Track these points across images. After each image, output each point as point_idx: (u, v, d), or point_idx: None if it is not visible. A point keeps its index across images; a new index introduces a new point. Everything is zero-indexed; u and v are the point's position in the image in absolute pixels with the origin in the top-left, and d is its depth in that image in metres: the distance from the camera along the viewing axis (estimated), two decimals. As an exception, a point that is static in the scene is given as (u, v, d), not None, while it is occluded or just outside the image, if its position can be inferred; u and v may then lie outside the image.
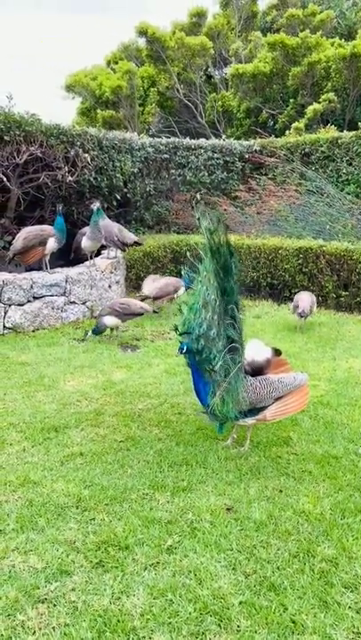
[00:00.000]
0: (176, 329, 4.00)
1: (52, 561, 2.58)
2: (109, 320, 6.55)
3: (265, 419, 3.69)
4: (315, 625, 2.23)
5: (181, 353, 3.68)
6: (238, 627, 2.22)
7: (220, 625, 2.24)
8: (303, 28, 16.72)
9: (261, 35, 18.50)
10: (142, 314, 6.70)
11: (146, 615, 2.27)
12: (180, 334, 3.85)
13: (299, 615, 2.28)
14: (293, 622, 2.25)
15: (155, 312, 6.61)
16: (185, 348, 3.63)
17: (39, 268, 7.63)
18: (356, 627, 2.24)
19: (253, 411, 3.66)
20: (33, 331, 7.01)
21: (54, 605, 2.33)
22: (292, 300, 8.10)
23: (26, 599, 2.35)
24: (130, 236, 8.20)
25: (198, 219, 3.75)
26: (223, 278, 3.60)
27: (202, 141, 11.61)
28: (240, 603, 2.35)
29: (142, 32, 17.40)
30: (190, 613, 2.28)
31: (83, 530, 2.83)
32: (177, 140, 11.50)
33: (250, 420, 3.69)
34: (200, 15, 19.08)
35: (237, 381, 3.59)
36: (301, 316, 6.91)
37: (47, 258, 7.43)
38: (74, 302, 7.50)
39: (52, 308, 7.24)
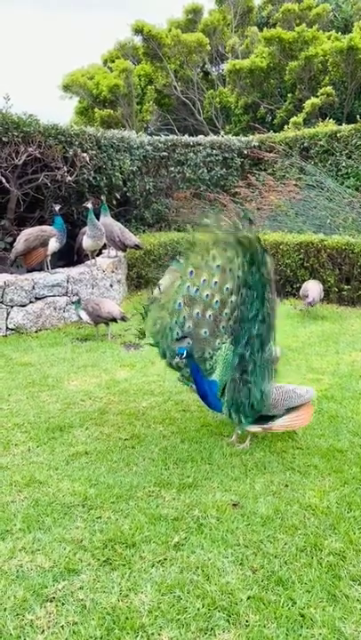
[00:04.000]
0: (142, 335, 3.96)
1: (59, 560, 2.58)
2: (84, 315, 6.56)
3: (270, 428, 3.71)
4: (324, 618, 2.23)
5: (181, 358, 3.61)
6: (247, 622, 2.22)
7: (228, 620, 2.24)
8: (299, 22, 16.67)
9: (258, 30, 18.46)
10: (111, 319, 6.46)
11: (154, 612, 2.27)
12: (156, 343, 3.85)
13: (307, 609, 2.28)
14: (302, 616, 2.24)
15: (123, 319, 6.45)
16: (185, 352, 3.56)
17: (40, 269, 7.64)
18: (365, 619, 2.24)
19: (264, 418, 3.66)
20: (35, 331, 7.02)
21: (62, 604, 2.33)
22: (293, 295, 8.09)
23: (34, 598, 2.35)
24: (131, 238, 8.17)
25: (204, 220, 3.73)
26: (247, 272, 3.53)
27: (200, 138, 11.59)
28: (248, 598, 2.34)
29: (138, 30, 17.36)
30: (199, 609, 2.28)
31: (89, 528, 2.83)
32: (175, 137, 11.47)
33: (256, 428, 3.70)
34: (196, 12, 19.04)
35: (259, 379, 3.56)
36: (311, 305, 7.25)
37: (49, 258, 7.43)
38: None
39: (55, 309, 7.24)
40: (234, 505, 3.03)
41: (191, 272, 3.72)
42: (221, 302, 3.70)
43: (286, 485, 3.23)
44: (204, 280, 3.69)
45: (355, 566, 2.54)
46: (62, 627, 2.21)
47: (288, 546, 2.68)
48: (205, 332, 3.71)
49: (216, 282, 3.68)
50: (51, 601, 2.34)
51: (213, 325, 3.72)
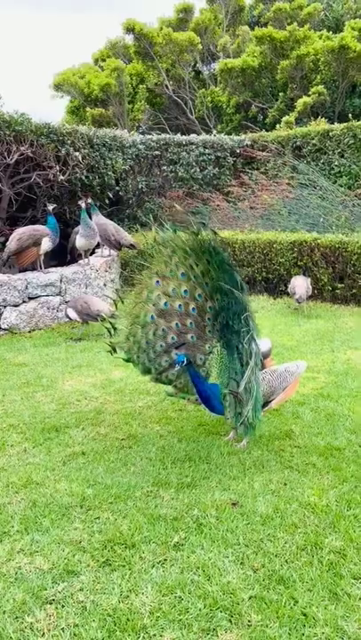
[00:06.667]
0: (113, 350, 3.85)
1: (58, 561, 2.55)
2: (71, 313, 6.52)
3: (270, 407, 3.73)
4: (326, 617, 2.22)
5: (181, 366, 3.50)
6: (249, 621, 2.21)
7: (230, 620, 2.22)
8: (291, 21, 16.69)
9: (249, 29, 18.45)
10: (99, 318, 6.18)
11: (155, 613, 2.25)
12: (129, 359, 3.79)
13: (309, 608, 2.27)
14: (305, 615, 2.23)
15: (113, 318, 6.32)
16: (184, 359, 3.48)
17: (33, 269, 7.59)
18: (368, 617, 2.23)
19: (264, 405, 3.64)
20: (29, 331, 6.98)
21: (62, 606, 2.30)
22: (288, 293, 8.10)
23: (33, 601, 2.32)
24: (127, 237, 8.12)
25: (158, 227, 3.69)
26: (215, 278, 3.50)
27: (193, 137, 11.58)
28: (250, 597, 2.33)
29: (130, 29, 17.31)
30: (200, 610, 2.26)
31: (88, 529, 2.80)
32: (168, 136, 11.46)
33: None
34: (187, 11, 18.99)
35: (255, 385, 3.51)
36: (299, 302, 7.43)
37: (42, 258, 7.39)
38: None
39: (48, 308, 7.20)
40: (233, 504, 3.01)
41: (157, 281, 3.64)
42: (199, 309, 3.62)
43: (285, 484, 3.22)
44: (174, 289, 3.62)
45: (356, 564, 2.53)
46: (63, 629, 2.18)
47: (288, 544, 2.67)
48: (193, 338, 3.66)
49: (186, 290, 3.60)
50: (50, 603, 2.32)
51: (199, 330, 3.66)
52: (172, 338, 3.64)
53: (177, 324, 3.64)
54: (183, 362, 3.48)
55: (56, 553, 2.61)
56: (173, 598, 2.33)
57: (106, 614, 2.24)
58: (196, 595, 2.35)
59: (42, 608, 2.29)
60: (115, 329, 3.86)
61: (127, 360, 3.90)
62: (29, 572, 2.50)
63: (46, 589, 2.38)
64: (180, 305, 3.62)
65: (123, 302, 3.95)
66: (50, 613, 2.26)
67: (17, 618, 2.24)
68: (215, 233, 3.50)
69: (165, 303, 3.62)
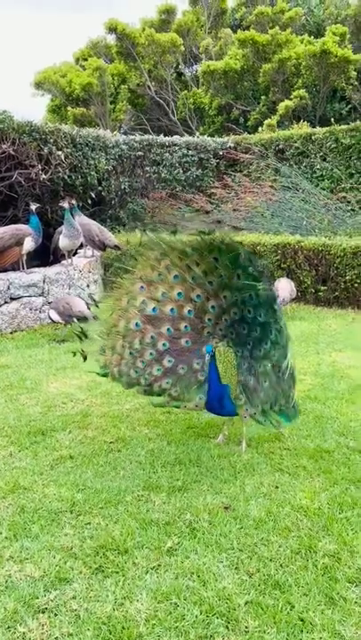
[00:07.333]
0: (85, 358, 3.79)
1: (49, 569, 2.49)
2: (54, 315, 6.45)
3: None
4: (323, 622, 2.20)
5: (211, 355, 3.36)
6: (246, 627, 2.18)
7: (227, 627, 2.19)
8: (272, 25, 16.79)
9: (231, 32, 18.52)
10: (82, 319, 6.14)
11: (151, 620, 2.21)
12: (105, 374, 3.72)
13: (306, 613, 2.25)
14: (302, 620, 2.21)
15: (95, 319, 6.27)
16: (213, 349, 3.37)
17: (14, 269, 7.47)
18: (364, 621, 2.22)
19: None
20: (11, 332, 6.86)
21: (55, 615, 2.24)
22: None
23: (25, 610, 2.26)
24: (111, 238, 8.05)
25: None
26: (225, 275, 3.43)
27: (176, 138, 11.56)
28: (246, 603, 2.30)
29: (112, 29, 17.21)
30: (197, 616, 2.23)
31: (79, 535, 2.74)
32: (151, 137, 11.43)
33: None
34: (169, 12, 18.96)
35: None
36: (282, 304, 7.26)
37: (24, 258, 7.28)
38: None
39: (30, 309, 7.09)
40: (225, 508, 2.98)
41: (142, 287, 3.55)
42: (197, 310, 3.53)
43: (276, 487, 3.21)
44: (164, 293, 3.52)
45: (350, 568, 2.52)
46: (56, 638, 2.13)
47: (283, 548, 2.65)
48: (187, 342, 3.56)
49: (180, 292, 3.51)
50: (43, 612, 2.26)
51: (195, 334, 3.56)
52: (164, 344, 3.53)
53: (169, 329, 3.53)
54: (212, 351, 3.36)
55: (47, 560, 2.55)
56: (169, 605, 2.29)
57: (100, 622, 2.19)
58: (192, 601, 2.31)
59: (34, 617, 2.23)
60: (85, 336, 3.76)
61: (103, 375, 3.80)
62: (20, 580, 2.43)
63: (38, 598, 2.32)
64: (172, 309, 3.52)
65: (97, 307, 3.89)
66: (42, 623, 2.20)
67: (9, 628, 2.17)
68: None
69: (154, 309, 3.53)
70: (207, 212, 10.57)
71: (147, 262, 3.57)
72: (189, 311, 3.53)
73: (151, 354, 3.55)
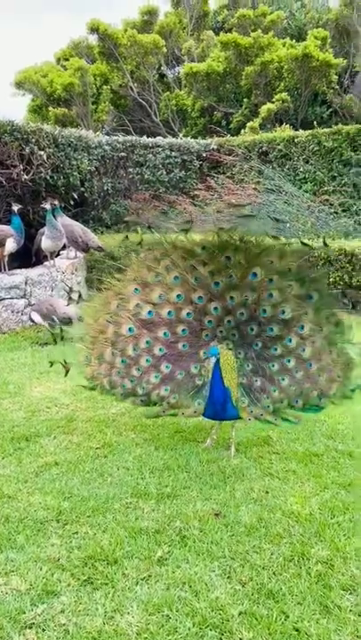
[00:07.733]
0: (66, 371, 3.71)
1: (36, 581, 2.40)
2: (36, 317, 6.35)
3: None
4: (318, 632, 2.16)
5: (217, 357, 3.28)
6: (241, 639, 2.12)
7: (221, 639, 2.13)
8: (254, 28, 16.85)
9: (213, 34, 18.54)
10: (67, 320, 5.96)
11: (143, 634, 2.14)
12: (93, 387, 3.63)
13: (301, 622, 2.20)
14: (297, 630, 2.16)
15: (80, 321, 6.17)
16: (218, 352, 3.28)
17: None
18: (360, 630, 2.18)
19: None
20: (-8, 335, 6.72)
21: (43, 630, 2.16)
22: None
23: (11, 625, 2.17)
24: (94, 239, 7.96)
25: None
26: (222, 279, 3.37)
27: (159, 140, 11.52)
28: (240, 613, 2.24)
29: (94, 29, 17.10)
30: (189, 629, 2.16)
31: (66, 545, 2.66)
32: (134, 138, 11.36)
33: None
34: (151, 13, 18.93)
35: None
36: None
37: (5, 259, 7.15)
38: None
39: (12, 312, 6.96)
40: (216, 514, 2.93)
41: (136, 289, 3.47)
42: (197, 312, 3.44)
43: (267, 492, 3.16)
44: (161, 295, 3.44)
45: (344, 575, 2.49)
46: (44, 655, 2.05)
47: (275, 556, 2.60)
48: (184, 346, 3.48)
49: (180, 294, 3.43)
50: (30, 627, 2.17)
51: (192, 337, 3.48)
52: (160, 350, 3.45)
53: (165, 332, 3.45)
54: (218, 354, 3.26)
55: (33, 572, 2.46)
56: (161, 617, 2.22)
57: (90, 637, 2.12)
58: (184, 612, 2.25)
59: (21, 633, 2.14)
60: (55, 341, 3.68)
61: (92, 389, 3.71)
62: (5, 593, 2.34)
63: (25, 612, 2.24)
64: (169, 312, 3.44)
65: (79, 304, 3.79)
66: (30, 638, 2.11)
67: (-6, 645, 2.09)
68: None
69: (150, 312, 3.44)
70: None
71: (143, 263, 3.49)
72: (188, 313, 3.45)
73: (148, 360, 3.46)
